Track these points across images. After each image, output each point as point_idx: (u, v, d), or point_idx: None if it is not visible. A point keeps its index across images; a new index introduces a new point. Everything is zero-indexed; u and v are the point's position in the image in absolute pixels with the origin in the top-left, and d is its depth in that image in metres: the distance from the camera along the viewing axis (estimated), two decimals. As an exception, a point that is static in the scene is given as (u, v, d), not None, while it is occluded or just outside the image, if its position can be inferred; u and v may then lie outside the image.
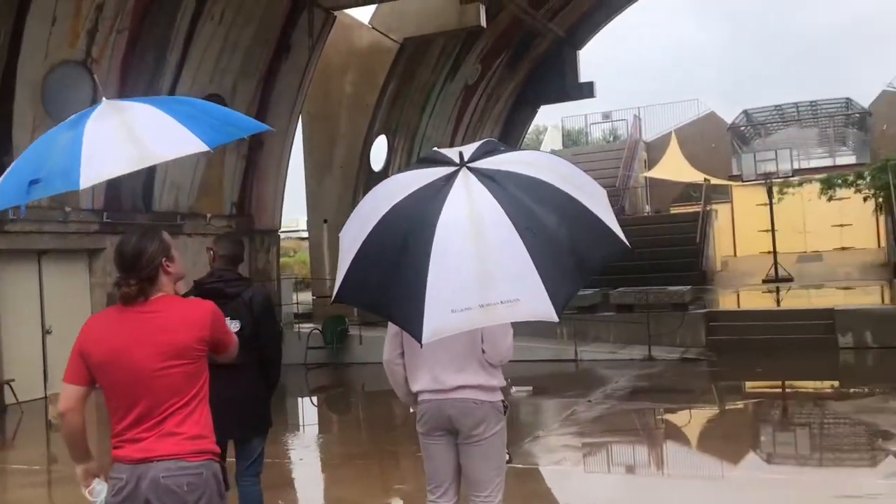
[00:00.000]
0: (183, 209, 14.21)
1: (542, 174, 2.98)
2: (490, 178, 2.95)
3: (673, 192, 32.56)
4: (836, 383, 11.34)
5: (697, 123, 33.58)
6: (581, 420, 8.71)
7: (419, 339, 2.75)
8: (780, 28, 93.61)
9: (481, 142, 3.23)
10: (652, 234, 26.31)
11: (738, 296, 19.85)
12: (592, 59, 56.12)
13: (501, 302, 2.75)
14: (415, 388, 3.50)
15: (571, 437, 8.06)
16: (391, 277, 2.85)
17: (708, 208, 26.93)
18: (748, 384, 11.36)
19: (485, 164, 3.02)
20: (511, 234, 2.80)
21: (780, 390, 11.11)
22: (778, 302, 17.57)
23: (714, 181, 29.37)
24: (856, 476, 6.53)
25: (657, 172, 30.15)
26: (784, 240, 32.18)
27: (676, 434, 8.99)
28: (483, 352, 3.43)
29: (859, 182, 25.89)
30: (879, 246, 29.44)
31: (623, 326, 13.50)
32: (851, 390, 10.34)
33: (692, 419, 9.61)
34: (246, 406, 4.31)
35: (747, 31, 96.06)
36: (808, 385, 11.29)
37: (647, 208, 31.98)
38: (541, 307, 2.76)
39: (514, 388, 11.53)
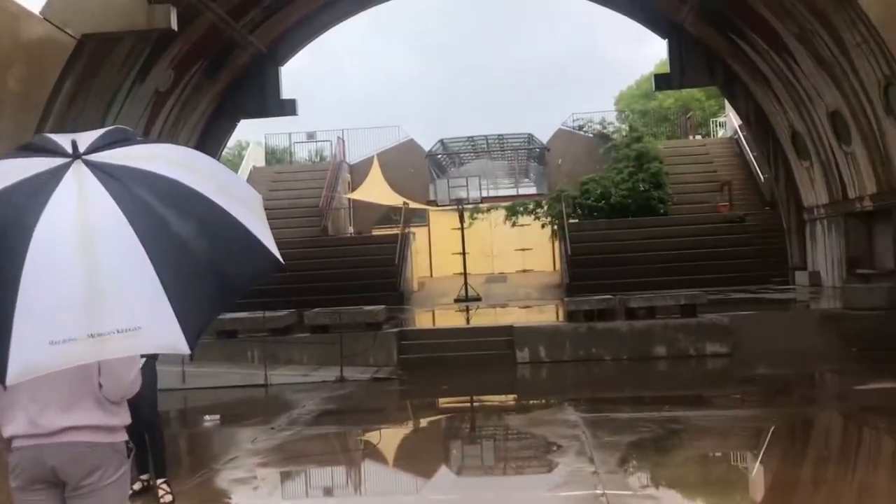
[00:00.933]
0: None
1: (179, 174, 2.47)
2: (111, 176, 2.40)
3: (375, 215, 33.26)
4: (514, 397, 12.01)
5: (399, 149, 34.72)
6: (261, 450, 8.22)
7: (1, 380, 2.14)
8: (480, 68, 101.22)
9: (107, 129, 2.66)
10: (354, 255, 26.64)
11: (432, 315, 20.58)
12: (300, 78, 55.89)
13: (118, 331, 2.22)
14: (6, 432, 2.79)
15: (246, 470, 7.52)
16: (-36, 296, 2.22)
17: (407, 231, 27.81)
18: (434, 400, 11.66)
19: (106, 157, 2.46)
20: (133, 245, 2.28)
21: (463, 405, 11.51)
22: (467, 320, 18.46)
23: (413, 205, 30.48)
24: (526, 488, 6.80)
25: (360, 195, 30.63)
26: (474, 262, 34.25)
27: (359, 456, 8.85)
28: (100, 386, 2.81)
29: (538, 210, 28.37)
30: (555, 269, 32.46)
31: (317, 348, 13.24)
32: (527, 402, 11.01)
33: (381, 439, 9.58)
34: None
35: (449, 65, 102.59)
36: (490, 399, 11.85)
37: (351, 230, 32.30)
38: (169, 337, 2.27)
39: (207, 418, 10.74)
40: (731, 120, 35.54)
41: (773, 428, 8.40)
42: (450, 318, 19.41)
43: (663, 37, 23.63)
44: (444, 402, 11.61)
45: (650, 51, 69.36)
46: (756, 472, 7.38)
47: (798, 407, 9.62)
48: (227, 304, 2.60)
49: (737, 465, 7.73)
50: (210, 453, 8.90)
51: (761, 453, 7.78)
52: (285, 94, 23.70)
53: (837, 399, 9.73)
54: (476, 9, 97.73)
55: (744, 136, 31.21)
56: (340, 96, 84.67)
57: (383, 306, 15.39)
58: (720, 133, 38.87)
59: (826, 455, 7.60)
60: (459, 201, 23.79)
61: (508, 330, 13.64)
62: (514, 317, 18.11)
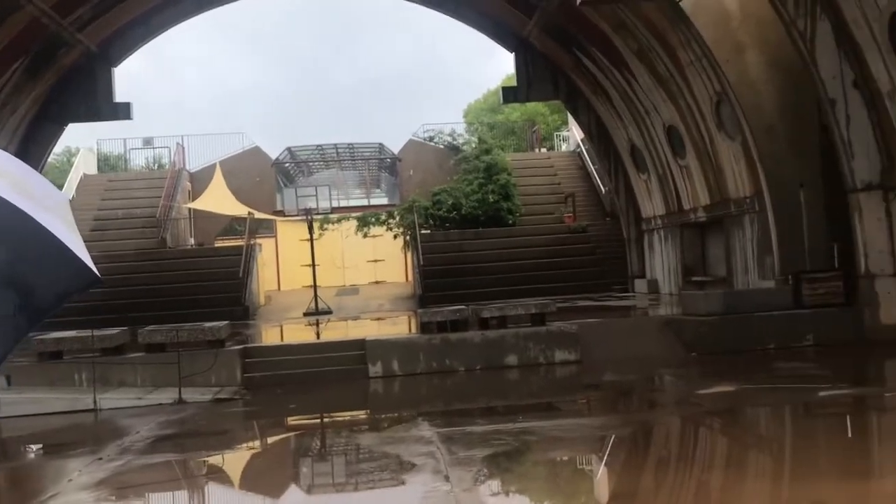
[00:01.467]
0: None
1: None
2: None
3: (218, 226, 31.87)
4: (367, 413, 11.60)
5: (243, 157, 33.47)
6: (86, 484, 7.37)
7: None
8: (330, 78, 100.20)
9: None
10: (195, 269, 25.33)
11: (279, 330, 19.79)
12: (138, 81, 53.00)
13: None
14: None
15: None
16: None
17: (252, 242, 26.78)
18: (281, 420, 11.04)
19: None
20: None
21: (313, 424, 10.98)
22: (318, 334, 17.86)
23: (258, 215, 29.41)
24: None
25: (201, 204, 29.18)
26: (325, 274, 33.53)
27: (199, 484, 8.16)
28: None
29: (390, 221, 28.10)
30: (407, 280, 32.31)
31: (153, 368, 12.27)
32: (380, 418, 10.63)
33: (224, 463, 8.89)
34: None
35: (294, 71, 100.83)
36: (341, 416, 11.37)
37: (192, 241, 30.74)
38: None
39: (26, 449, 9.65)
40: (573, 134, 36.82)
41: (622, 434, 8.48)
42: (299, 333, 18.73)
43: (510, 50, 24.06)
44: (292, 421, 11.02)
45: (498, 65, 71.30)
46: (603, 479, 7.38)
47: (645, 412, 9.82)
48: (32, 326, 2.12)
49: (587, 473, 7.72)
50: (28, 489, 7.94)
51: (610, 459, 7.80)
52: (120, 97, 22.19)
53: (681, 404, 10.01)
54: (321, 15, 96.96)
55: (586, 149, 32.35)
56: (180, 101, 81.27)
57: (226, 322, 14.56)
58: (563, 147, 40.22)
59: (668, 457, 7.73)
60: (308, 211, 23.12)
61: (360, 344, 13.22)
62: (367, 330, 17.70)
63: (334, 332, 17.92)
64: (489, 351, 13.06)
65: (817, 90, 15.20)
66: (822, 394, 9.44)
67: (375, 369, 12.90)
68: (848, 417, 8.80)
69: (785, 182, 15.47)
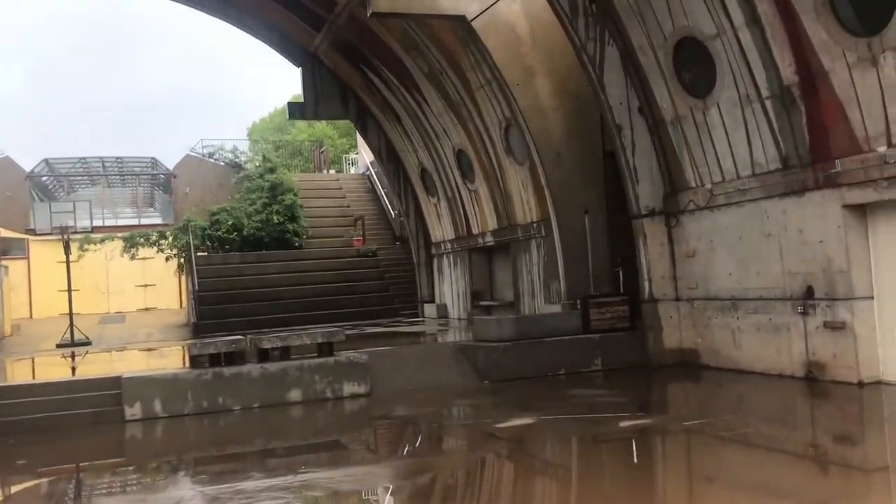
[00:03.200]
0: None
1: None
2: None
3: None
4: (115, 465, 9.75)
5: (-10, 168, 29.50)
6: None
7: None
8: (94, 91, 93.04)
9: None
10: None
11: (20, 365, 17.01)
12: None
13: None
14: None
15: None
16: None
17: (-4, 264, 23.37)
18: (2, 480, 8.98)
19: None
20: None
21: (37, 484, 9.01)
22: (73, 370, 15.47)
23: (5, 233, 25.87)
24: None
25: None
26: (86, 300, 30.20)
27: None
28: None
29: (162, 242, 25.70)
30: (181, 306, 29.82)
31: None
32: (130, 474, 8.91)
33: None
34: None
35: (56, 82, 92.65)
36: (84, 471, 9.46)
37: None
38: None
39: None
40: (363, 156, 36.19)
41: (420, 483, 7.55)
42: (45, 369, 16.18)
43: (297, 65, 22.91)
44: (15, 482, 8.96)
45: (288, 86, 69.42)
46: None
47: (444, 454, 8.99)
48: None
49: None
50: None
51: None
52: None
53: (480, 440, 9.28)
54: (87, 25, 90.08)
55: (376, 172, 31.77)
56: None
57: (-53, 359, 12.06)
58: (352, 170, 39.46)
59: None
60: (64, 230, 20.41)
61: (115, 381, 11.36)
62: (130, 363, 15.61)
63: (90, 366, 15.64)
64: (269, 386, 11.73)
65: (602, 117, 15.49)
66: (622, 424, 9.12)
67: (133, 411, 11.12)
68: (659, 448, 8.51)
69: (571, 207, 15.56)
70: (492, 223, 19.57)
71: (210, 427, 10.91)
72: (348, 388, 12.05)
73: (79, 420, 10.93)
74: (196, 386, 11.44)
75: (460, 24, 15.63)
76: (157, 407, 11.23)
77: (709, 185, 12.42)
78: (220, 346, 11.98)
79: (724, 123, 11.83)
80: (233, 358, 12.06)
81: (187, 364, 12.11)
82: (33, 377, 15.28)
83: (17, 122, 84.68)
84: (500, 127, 17.40)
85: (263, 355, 12.24)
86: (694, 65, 12.09)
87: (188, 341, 16.42)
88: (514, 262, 18.47)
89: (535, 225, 17.26)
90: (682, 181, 13.02)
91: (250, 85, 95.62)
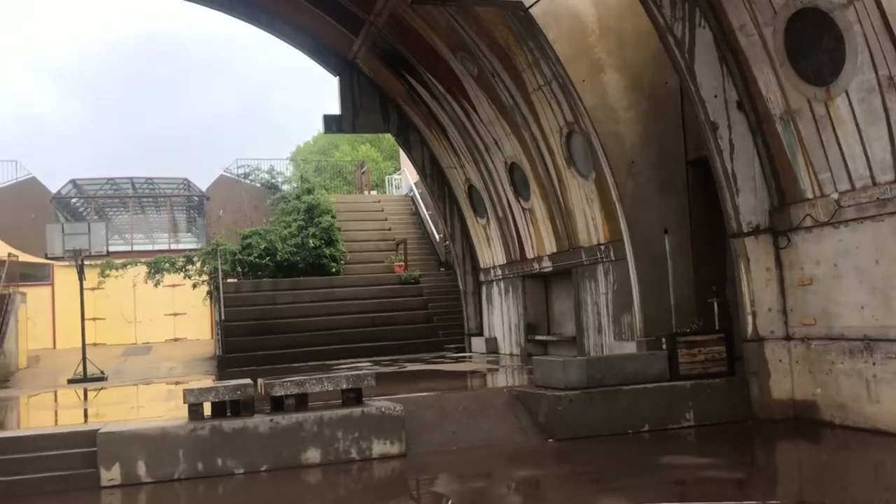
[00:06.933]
0: None
1: None
2: None
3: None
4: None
5: (15, 189, 28.16)
6: None
7: None
8: (149, 124, 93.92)
9: None
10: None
11: (17, 405, 15.03)
12: None
13: None
14: None
15: None
16: None
17: (10, 291, 21.71)
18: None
19: None
20: None
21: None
22: (56, 420, 13.25)
23: (25, 258, 24.29)
24: None
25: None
26: (112, 330, 28.46)
27: None
28: None
29: (189, 267, 23.83)
30: (212, 337, 27.89)
31: None
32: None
33: None
34: None
35: (115, 117, 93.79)
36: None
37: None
38: None
39: None
40: (406, 177, 34.15)
41: None
42: (34, 413, 14.11)
43: (335, 74, 20.96)
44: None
45: (329, 108, 68.17)
46: None
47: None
48: None
49: None
50: None
51: None
52: None
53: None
54: (142, 57, 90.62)
55: (419, 193, 29.65)
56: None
57: None
58: (395, 191, 37.46)
59: None
60: (77, 253, 18.60)
61: (90, 437, 9.18)
62: (117, 412, 13.44)
63: (68, 413, 13.53)
64: (281, 444, 9.44)
65: (685, 118, 13.04)
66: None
67: (111, 475, 8.92)
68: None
69: (648, 226, 13.11)
70: (549, 246, 17.15)
71: (206, 497, 8.65)
72: (378, 448, 9.70)
73: (44, 486, 8.77)
74: (189, 443, 9.19)
75: (516, 13, 13.39)
76: (141, 470, 9.01)
77: (833, 195, 9.85)
78: (222, 392, 9.74)
79: (854, 116, 9.31)
80: (239, 407, 9.81)
81: (189, 416, 9.86)
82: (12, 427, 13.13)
83: (85, 154, 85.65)
84: (561, 134, 15.05)
85: (277, 404, 9.98)
86: (814, 44, 9.61)
87: (195, 382, 14.27)
88: (577, 290, 15.99)
89: (602, 247, 14.80)
90: (794, 191, 10.47)
91: (294, 118, 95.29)
